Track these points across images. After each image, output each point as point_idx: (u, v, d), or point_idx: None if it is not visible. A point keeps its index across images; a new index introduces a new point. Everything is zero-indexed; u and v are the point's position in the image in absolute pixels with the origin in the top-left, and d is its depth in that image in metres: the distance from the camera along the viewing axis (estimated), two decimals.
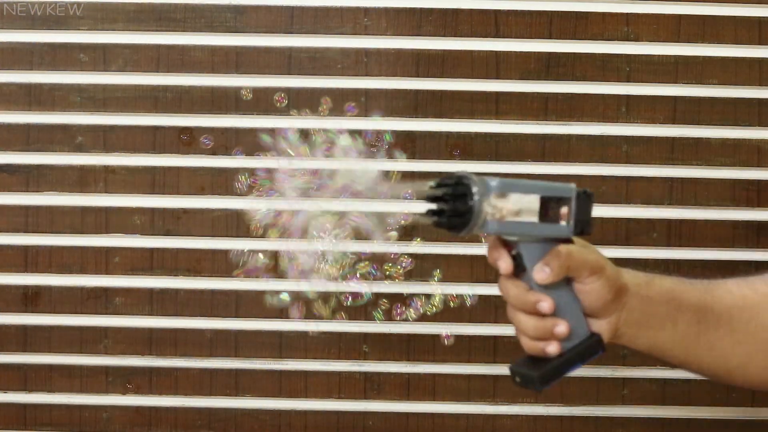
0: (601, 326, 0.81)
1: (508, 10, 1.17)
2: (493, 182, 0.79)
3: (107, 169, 1.18)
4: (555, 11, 1.17)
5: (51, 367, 1.20)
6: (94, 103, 1.18)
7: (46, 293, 1.20)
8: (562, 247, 0.81)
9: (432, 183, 0.79)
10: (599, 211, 1.17)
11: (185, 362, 1.20)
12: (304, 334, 1.19)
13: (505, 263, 0.80)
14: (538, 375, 0.83)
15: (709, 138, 1.18)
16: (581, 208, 0.83)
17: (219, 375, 1.20)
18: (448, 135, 1.18)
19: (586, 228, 0.83)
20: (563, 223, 0.82)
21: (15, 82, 1.18)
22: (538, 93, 1.17)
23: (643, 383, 1.20)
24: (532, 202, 0.81)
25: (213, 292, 1.19)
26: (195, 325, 1.19)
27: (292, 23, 1.17)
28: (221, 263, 1.19)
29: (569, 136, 1.18)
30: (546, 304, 0.80)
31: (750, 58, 1.17)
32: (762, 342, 0.83)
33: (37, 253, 1.19)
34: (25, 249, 1.19)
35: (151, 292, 1.20)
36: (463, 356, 1.20)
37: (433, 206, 0.77)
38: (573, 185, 0.83)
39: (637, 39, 1.17)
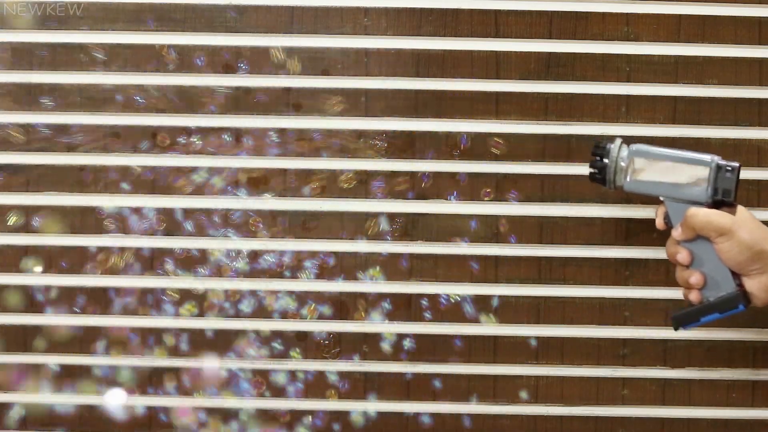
0: (752, 285, 0.95)
1: (508, 10, 1.17)
2: (630, 147, 1.01)
3: (107, 169, 1.18)
4: (555, 11, 1.17)
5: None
6: (94, 103, 1.18)
7: (46, 293, 1.20)
8: (691, 210, 0.96)
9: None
10: (599, 210, 1.17)
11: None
12: None
13: (658, 219, 1.01)
14: (673, 316, 1.00)
15: (709, 138, 1.18)
16: (721, 177, 0.97)
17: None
18: (448, 135, 1.18)
19: (726, 195, 0.97)
20: (700, 188, 0.97)
21: (15, 82, 1.18)
22: (538, 93, 1.17)
23: (643, 383, 1.20)
24: (670, 167, 0.98)
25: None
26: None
27: (292, 23, 1.17)
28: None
29: (569, 136, 1.18)
30: (681, 255, 0.98)
31: (750, 58, 1.17)
32: None
33: (37, 253, 1.19)
34: (25, 249, 1.19)
35: (152, 292, 1.20)
36: (463, 356, 1.20)
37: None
38: (714, 157, 0.98)
39: (637, 39, 1.17)
